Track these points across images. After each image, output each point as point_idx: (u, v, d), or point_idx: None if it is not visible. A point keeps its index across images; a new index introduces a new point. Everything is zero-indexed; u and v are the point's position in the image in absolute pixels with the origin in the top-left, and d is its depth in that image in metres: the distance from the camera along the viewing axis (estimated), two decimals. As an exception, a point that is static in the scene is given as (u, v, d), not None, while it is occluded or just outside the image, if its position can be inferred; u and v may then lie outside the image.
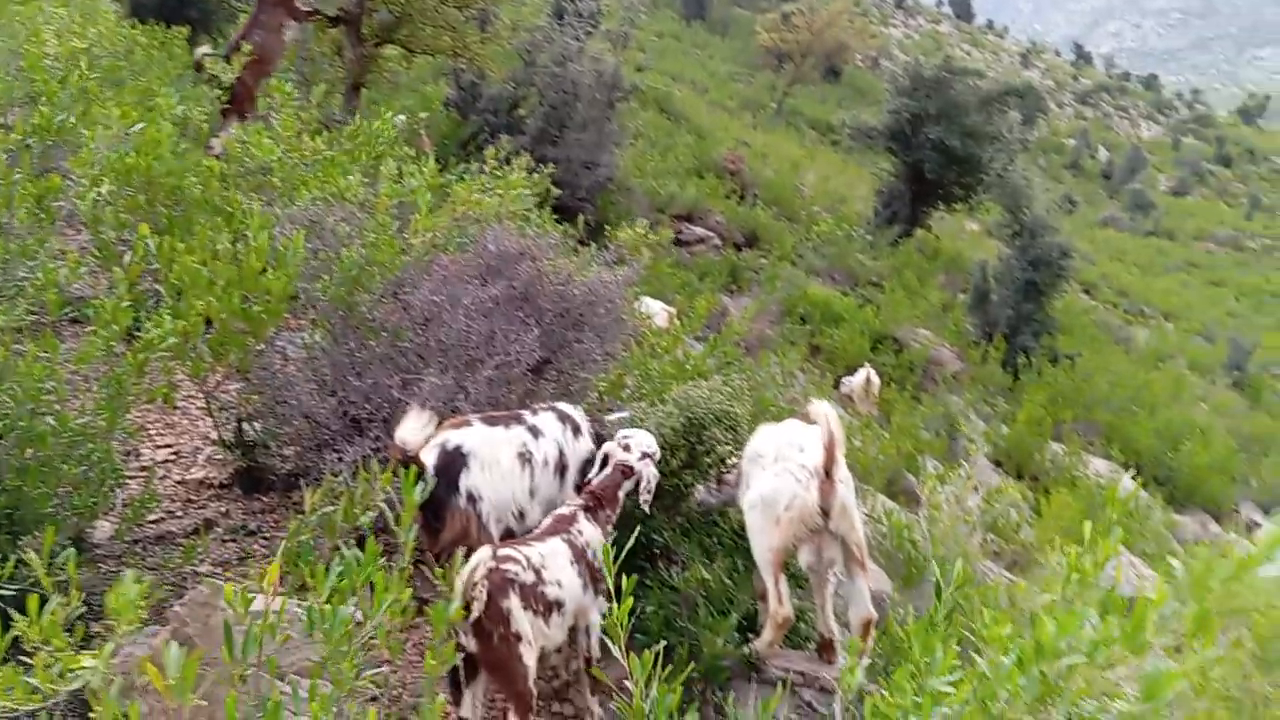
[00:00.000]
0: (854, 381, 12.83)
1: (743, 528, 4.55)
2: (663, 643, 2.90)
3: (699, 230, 18.78)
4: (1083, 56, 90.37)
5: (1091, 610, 2.06)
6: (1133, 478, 15.00)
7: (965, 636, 3.39)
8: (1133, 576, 10.38)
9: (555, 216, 8.02)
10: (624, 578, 2.74)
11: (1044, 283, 17.37)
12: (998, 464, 13.57)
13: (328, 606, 2.40)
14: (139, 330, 4.20)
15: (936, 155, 21.13)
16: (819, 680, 4.05)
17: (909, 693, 2.16)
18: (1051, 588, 2.78)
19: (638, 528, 3.63)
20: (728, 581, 4.26)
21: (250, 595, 2.72)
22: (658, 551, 4.52)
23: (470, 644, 3.39)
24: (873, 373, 12.93)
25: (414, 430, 3.63)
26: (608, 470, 4.06)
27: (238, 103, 8.65)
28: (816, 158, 31.44)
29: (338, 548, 3.09)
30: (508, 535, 3.98)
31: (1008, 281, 17.58)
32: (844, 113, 29.72)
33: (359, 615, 2.96)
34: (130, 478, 4.67)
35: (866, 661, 3.94)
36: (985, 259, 19.35)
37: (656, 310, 10.36)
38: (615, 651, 2.58)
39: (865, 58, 55.72)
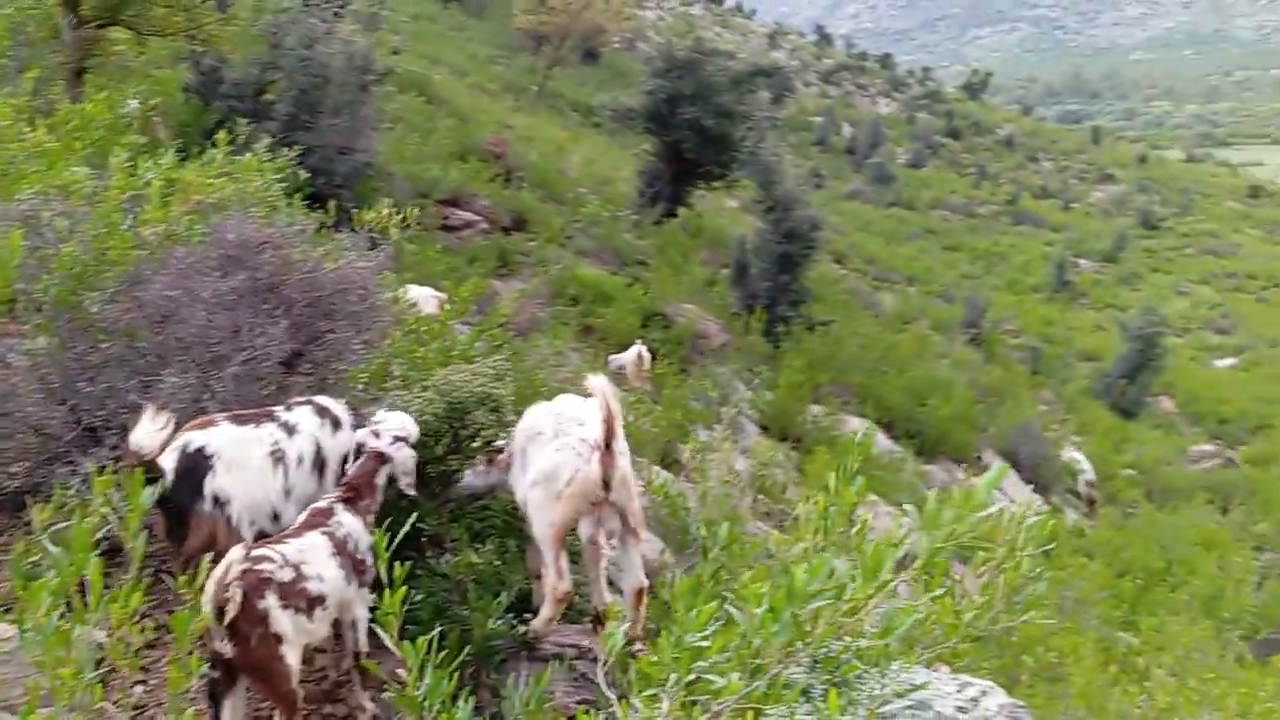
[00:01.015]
0: (625, 358, 13.06)
1: (514, 508, 4.54)
2: (437, 629, 2.86)
3: (465, 214, 18.54)
4: (824, 38, 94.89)
5: (835, 555, 2.19)
6: (888, 433, 16.07)
7: (728, 596, 3.52)
8: (889, 526, 11.12)
9: (313, 205, 7.71)
10: (394, 566, 2.68)
11: (798, 254, 18.23)
12: (764, 428, 14.20)
13: (44, 617, 2.21)
14: None
15: (693, 135, 21.68)
16: (593, 652, 4.11)
17: (669, 651, 2.22)
18: (804, 537, 2.93)
19: (413, 515, 3.56)
20: (499, 564, 4.25)
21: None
22: (426, 539, 4.45)
23: (227, 649, 3.24)
24: (644, 349, 13.21)
25: (148, 434, 3.41)
26: (362, 459, 3.97)
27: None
28: (580, 140, 31.66)
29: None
30: (261, 537, 3.81)
31: (765, 255, 18.34)
32: (603, 95, 30.04)
33: (100, 636, 2.76)
34: None
35: (626, 626, 4.03)
36: (744, 234, 20.10)
37: (425, 297, 10.15)
38: (388, 641, 2.52)
39: (622, 40, 56.53)
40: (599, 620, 4.33)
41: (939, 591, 2.15)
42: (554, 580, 4.01)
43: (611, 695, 2.48)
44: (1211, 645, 9.68)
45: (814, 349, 16.95)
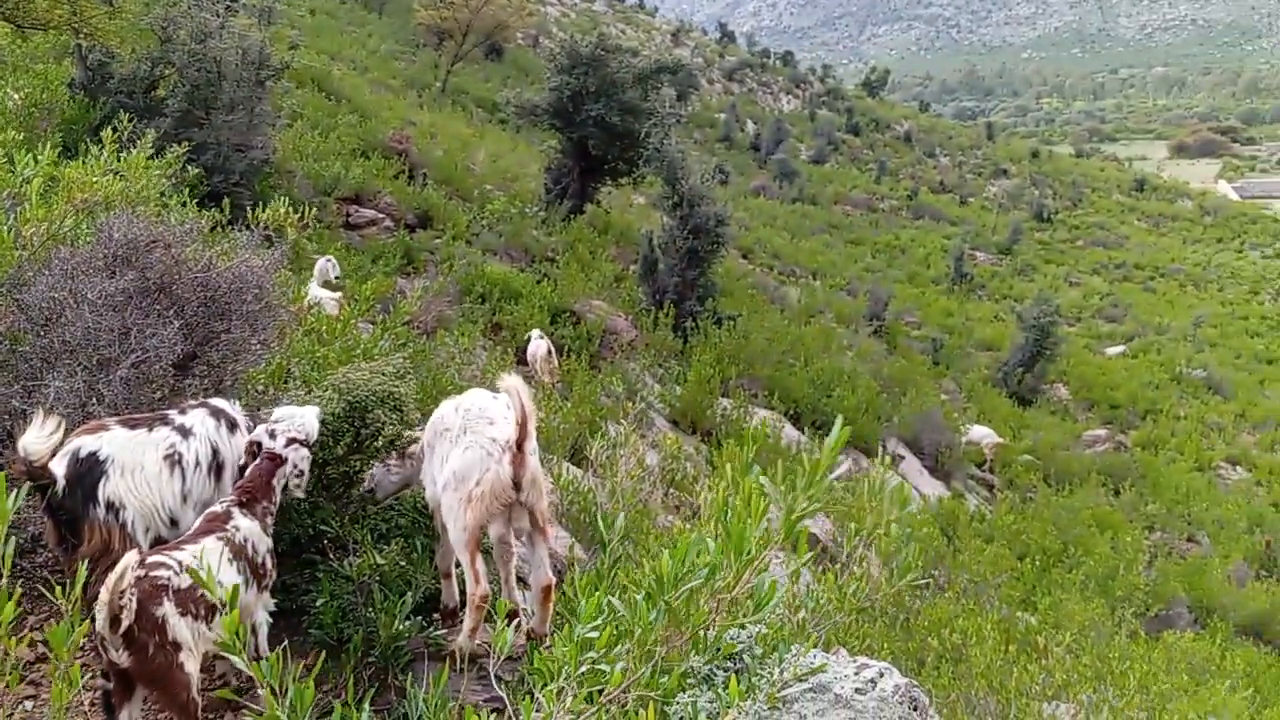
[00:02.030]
0: (538, 349, 13.08)
1: (421, 506, 4.49)
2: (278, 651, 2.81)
3: (369, 212, 18.22)
4: (727, 35, 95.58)
5: (706, 536, 2.21)
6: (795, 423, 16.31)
7: (626, 588, 3.54)
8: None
9: (209, 204, 7.48)
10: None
11: (704, 250, 18.33)
12: (674, 423, 14.27)
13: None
14: None
15: (599, 131, 21.67)
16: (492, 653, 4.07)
17: (562, 644, 2.22)
18: (706, 526, 2.96)
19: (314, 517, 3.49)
20: (404, 564, 4.19)
21: None
22: (328, 541, 4.37)
23: (123, 659, 3.14)
24: (544, 340, 13.23)
25: (38, 439, 3.29)
26: (258, 460, 3.87)
27: None
28: (486, 136, 31.39)
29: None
30: (159, 543, 3.70)
31: (672, 251, 18.40)
32: (508, 91, 29.81)
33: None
34: None
35: (533, 622, 4.01)
36: (651, 230, 20.16)
37: (325, 297, 9.99)
38: (238, 663, 2.46)
39: (525, 36, 56.23)
40: (510, 618, 4.29)
41: (806, 557, 2.18)
42: (472, 586, 3.94)
43: (501, 691, 2.47)
44: (1106, 622, 10.08)
45: (722, 343, 17.09)
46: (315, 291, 10.22)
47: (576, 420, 11.14)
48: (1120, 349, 39.43)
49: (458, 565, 4.48)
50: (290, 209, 5.42)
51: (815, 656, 2.58)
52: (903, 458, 18.15)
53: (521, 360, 13.53)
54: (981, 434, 21.38)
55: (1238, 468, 27.28)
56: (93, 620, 3.11)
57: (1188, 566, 17.22)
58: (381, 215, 18.34)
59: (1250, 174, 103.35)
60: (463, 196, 21.65)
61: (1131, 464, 24.06)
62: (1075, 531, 16.64)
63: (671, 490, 10.28)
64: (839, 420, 2.41)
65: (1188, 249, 61.81)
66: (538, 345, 13.19)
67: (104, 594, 3.00)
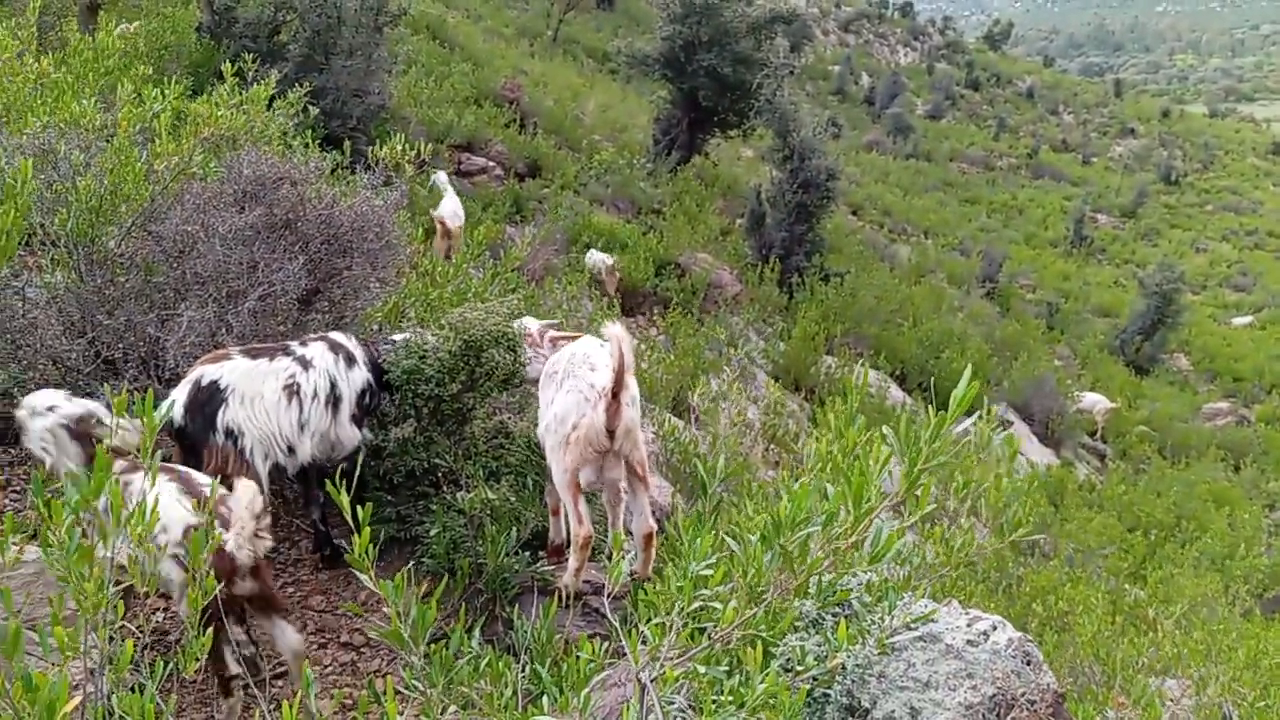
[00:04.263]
0: (600, 261, 13.53)
1: (533, 444, 4.58)
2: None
3: (480, 160, 18.44)
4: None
5: (826, 483, 2.18)
6: (902, 385, 16.06)
7: (735, 530, 3.54)
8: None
9: (327, 148, 7.67)
10: (361, 506, 2.68)
11: (814, 204, 18.04)
12: (777, 379, 14.18)
13: (66, 534, 2.21)
14: None
15: (710, 82, 21.42)
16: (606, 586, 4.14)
17: (674, 580, 2.24)
18: (809, 476, 2.94)
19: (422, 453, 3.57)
20: (513, 500, 4.27)
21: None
22: (441, 475, 4.48)
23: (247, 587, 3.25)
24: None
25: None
26: None
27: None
28: (596, 86, 31.31)
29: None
30: (277, 470, 3.84)
31: (780, 205, 18.16)
32: (619, 41, 29.61)
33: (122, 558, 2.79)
34: None
35: (635, 567, 4.04)
36: (760, 183, 19.91)
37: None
38: (367, 581, 2.54)
39: (638, -15, 55.74)
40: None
41: (923, 511, 2.14)
42: (575, 526, 4.01)
43: (614, 619, 2.51)
44: (1219, 599, 9.75)
45: (828, 300, 16.85)
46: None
47: (679, 371, 11.16)
48: (1247, 319, 37.60)
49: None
50: (406, 144, 5.51)
51: (925, 605, 2.56)
52: (1011, 423, 17.70)
53: (626, 310, 13.66)
54: (1093, 401, 20.74)
55: (1370, 448, 25.85)
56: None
57: (1310, 548, 16.46)
58: (492, 163, 18.53)
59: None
60: (572, 146, 21.70)
61: (1254, 439, 23.03)
62: (1190, 506, 16.05)
63: (772, 446, 10.25)
64: (967, 371, 2.35)
65: (1328, 217, 58.39)
66: (598, 257, 13.45)
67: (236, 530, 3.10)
